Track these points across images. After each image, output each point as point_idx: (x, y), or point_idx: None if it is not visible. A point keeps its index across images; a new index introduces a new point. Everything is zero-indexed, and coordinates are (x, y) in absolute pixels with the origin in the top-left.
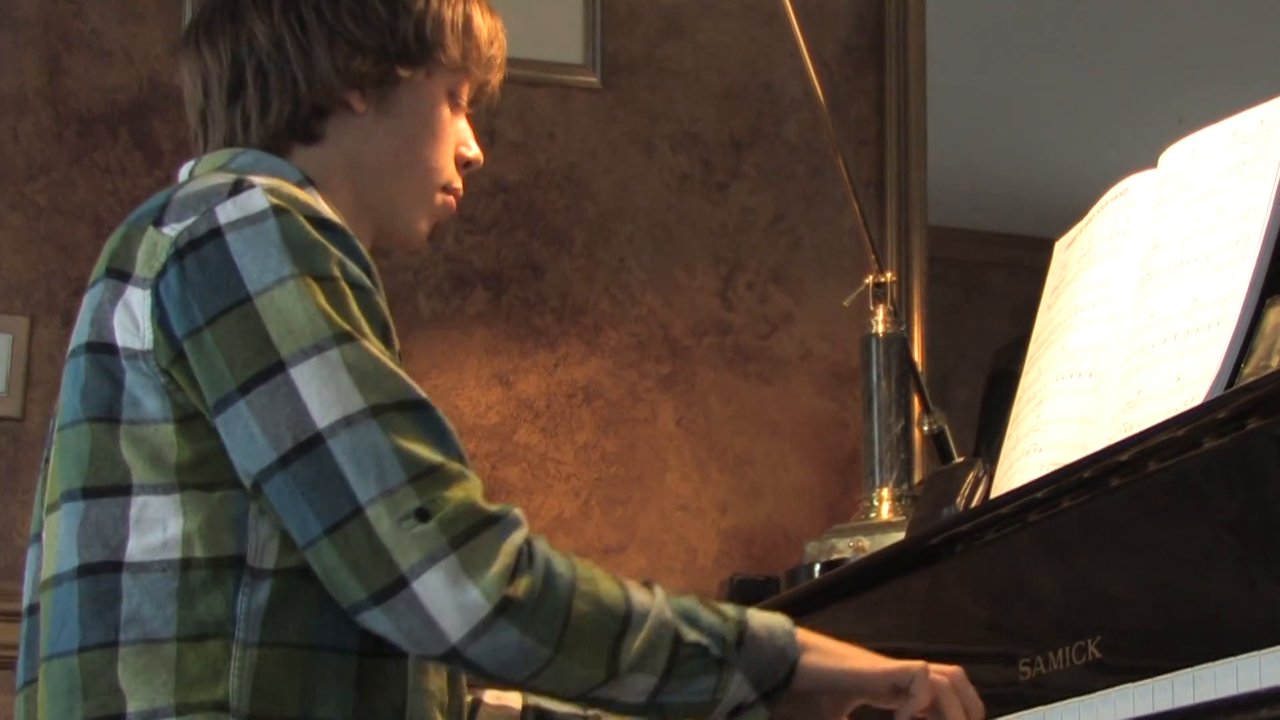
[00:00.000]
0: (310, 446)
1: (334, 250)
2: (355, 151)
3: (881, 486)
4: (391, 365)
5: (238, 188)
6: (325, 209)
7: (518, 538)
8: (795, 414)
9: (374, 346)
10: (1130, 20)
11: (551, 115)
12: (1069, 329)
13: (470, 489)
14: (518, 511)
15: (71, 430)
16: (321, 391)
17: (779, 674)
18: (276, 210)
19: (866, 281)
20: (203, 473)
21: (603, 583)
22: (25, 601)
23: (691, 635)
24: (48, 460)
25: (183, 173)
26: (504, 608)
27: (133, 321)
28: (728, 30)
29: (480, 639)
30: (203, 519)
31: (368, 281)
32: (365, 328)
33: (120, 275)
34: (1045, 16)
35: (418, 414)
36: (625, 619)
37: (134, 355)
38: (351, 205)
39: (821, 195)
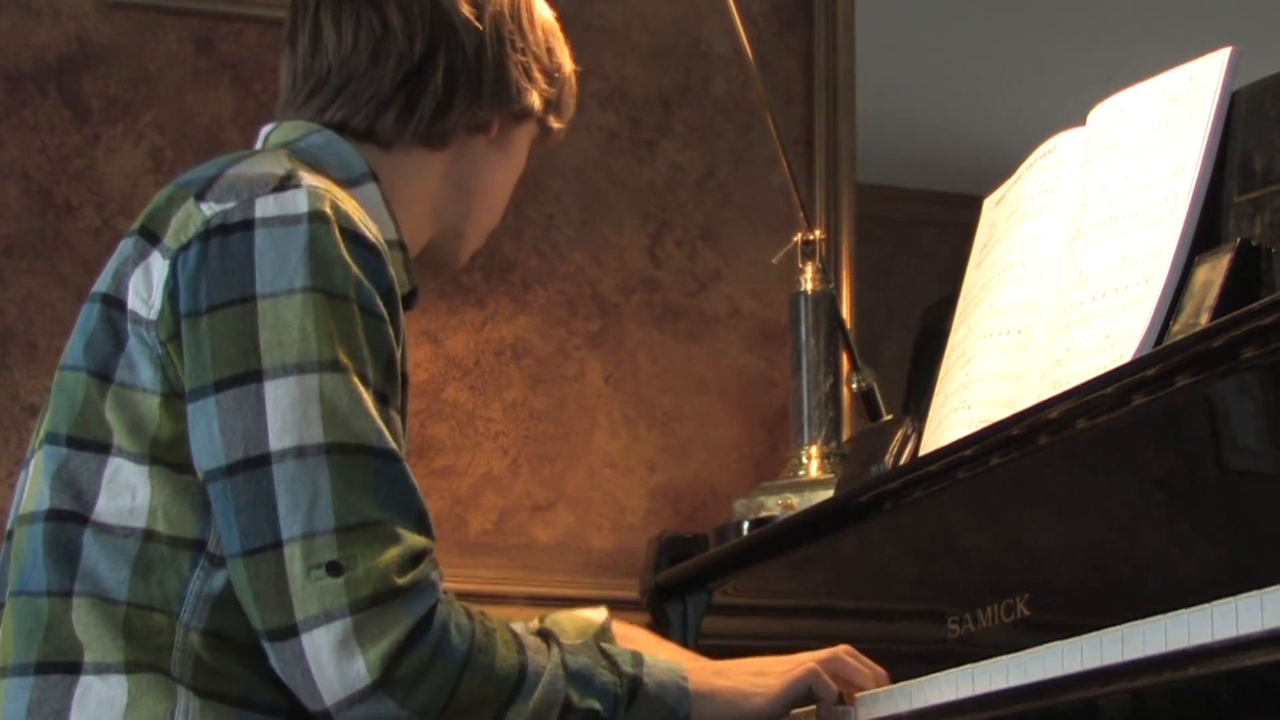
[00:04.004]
0: (256, 465)
1: (355, 270)
2: (461, 171)
3: (810, 444)
4: (369, 408)
5: (285, 183)
6: (364, 221)
7: (421, 609)
8: (724, 371)
9: (360, 383)
10: None
11: None
12: (998, 286)
13: (392, 556)
14: (434, 576)
15: (71, 374)
16: (287, 414)
17: None
18: (313, 217)
19: (795, 239)
20: (176, 452)
21: (499, 650)
22: (9, 525)
23: (584, 702)
24: (50, 391)
25: (260, 136)
26: (385, 682)
27: (147, 288)
28: None
29: (355, 708)
30: (168, 496)
31: (381, 308)
32: (365, 355)
33: (150, 237)
34: None
35: (378, 463)
36: (515, 689)
37: (139, 321)
38: (423, 216)
39: (750, 153)
